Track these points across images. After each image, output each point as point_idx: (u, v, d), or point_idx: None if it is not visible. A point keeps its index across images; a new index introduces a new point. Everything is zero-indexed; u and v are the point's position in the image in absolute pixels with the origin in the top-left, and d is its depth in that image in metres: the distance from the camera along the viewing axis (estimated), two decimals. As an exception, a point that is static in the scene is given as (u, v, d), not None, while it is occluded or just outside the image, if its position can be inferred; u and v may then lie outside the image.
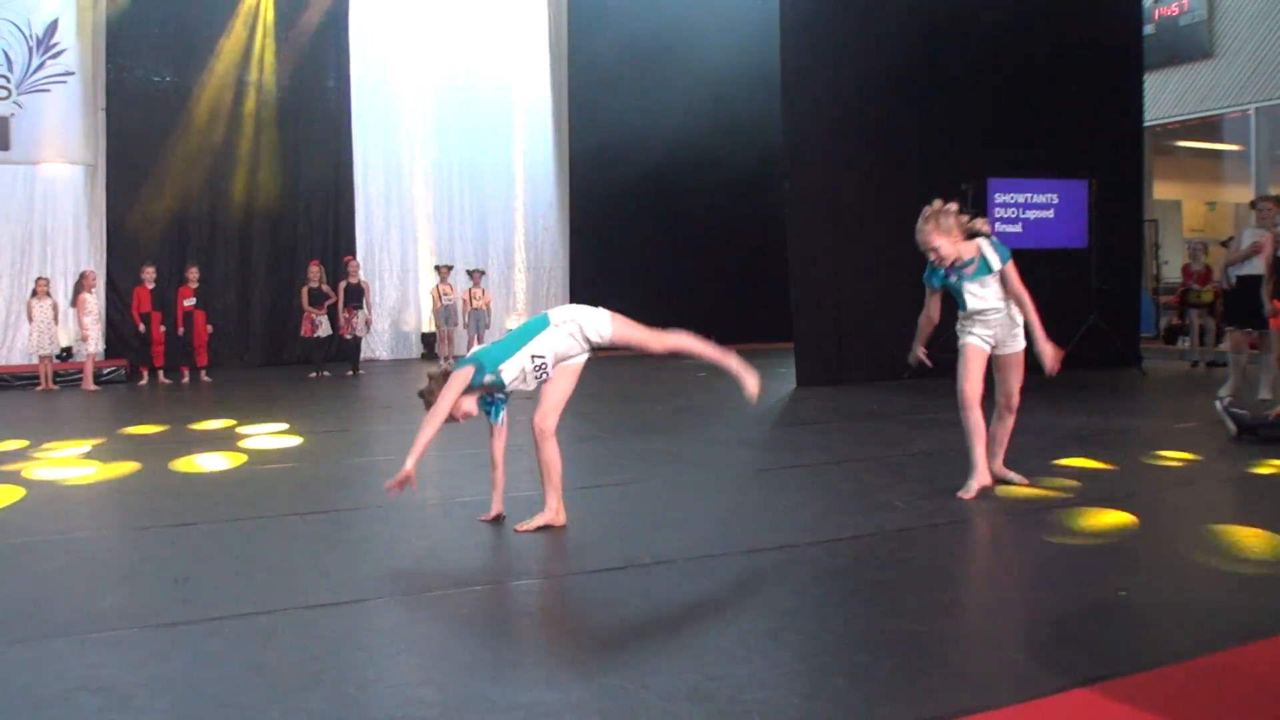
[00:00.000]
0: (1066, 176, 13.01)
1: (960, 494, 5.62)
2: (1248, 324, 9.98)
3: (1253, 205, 10.47)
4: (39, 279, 14.58)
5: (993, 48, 12.98)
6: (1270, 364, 9.92)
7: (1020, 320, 5.73)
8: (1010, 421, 5.95)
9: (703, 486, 6.34)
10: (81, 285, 14.52)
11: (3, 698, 3.19)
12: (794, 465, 5.37)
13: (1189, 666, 3.26)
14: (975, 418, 5.71)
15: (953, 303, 5.87)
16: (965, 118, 12.83)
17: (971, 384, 5.70)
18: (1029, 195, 12.92)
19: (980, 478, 5.71)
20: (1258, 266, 9.90)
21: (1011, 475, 5.98)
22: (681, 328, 5.17)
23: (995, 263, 5.61)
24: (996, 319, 5.71)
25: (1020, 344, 5.77)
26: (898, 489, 6.05)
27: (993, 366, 5.82)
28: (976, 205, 12.58)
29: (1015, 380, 5.83)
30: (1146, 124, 15.10)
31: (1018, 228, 12.84)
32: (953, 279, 5.69)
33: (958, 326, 5.85)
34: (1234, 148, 17.85)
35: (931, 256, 5.63)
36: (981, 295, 5.65)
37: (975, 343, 5.73)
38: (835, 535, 4.97)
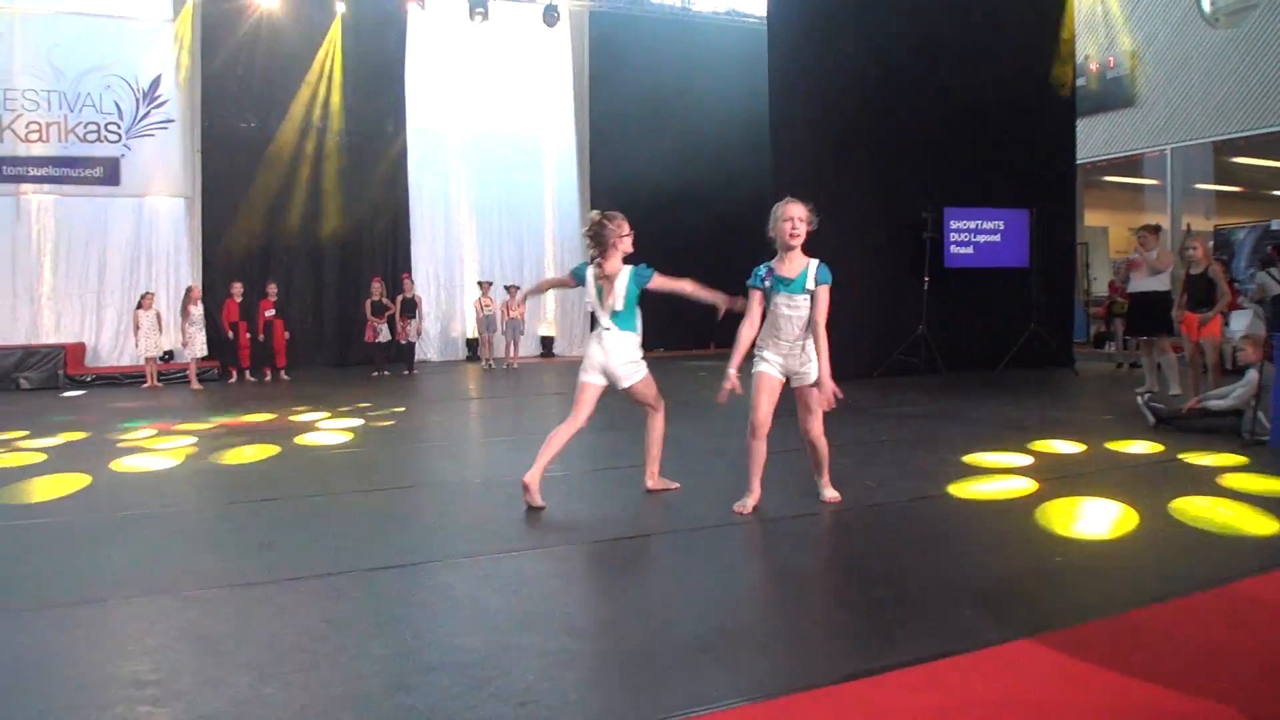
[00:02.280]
0: (1011, 206, 12.99)
1: (736, 508, 4.90)
2: (1144, 333, 10.04)
3: (1137, 234, 10.50)
4: (145, 294, 14.64)
5: (949, 98, 12.94)
6: (1173, 363, 9.90)
7: (813, 353, 4.86)
8: (822, 447, 5.11)
9: (700, 469, 6.34)
10: (188, 298, 14.60)
11: (118, 645, 3.21)
12: (779, 451, 5.35)
13: (1115, 621, 3.26)
14: (758, 448, 4.94)
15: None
16: (926, 157, 12.81)
17: (760, 413, 4.88)
18: (979, 222, 12.89)
19: (754, 497, 4.95)
20: (1145, 284, 9.95)
21: (829, 493, 5.17)
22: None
23: (812, 282, 4.79)
24: (791, 345, 4.86)
25: (814, 375, 4.88)
26: (869, 471, 6.05)
27: (793, 396, 5.01)
28: (935, 230, 12.60)
29: (814, 412, 4.97)
30: (1079, 162, 15.08)
31: (969, 249, 12.83)
32: (768, 284, 4.85)
33: (755, 347, 4.97)
34: (1153, 182, 17.79)
35: (787, 227, 4.75)
36: (788, 312, 4.81)
37: (767, 371, 4.89)
38: (815, 510, 4.97)
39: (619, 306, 5.17)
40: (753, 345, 4.99)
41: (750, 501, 4.95)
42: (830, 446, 5.15)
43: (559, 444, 5.24)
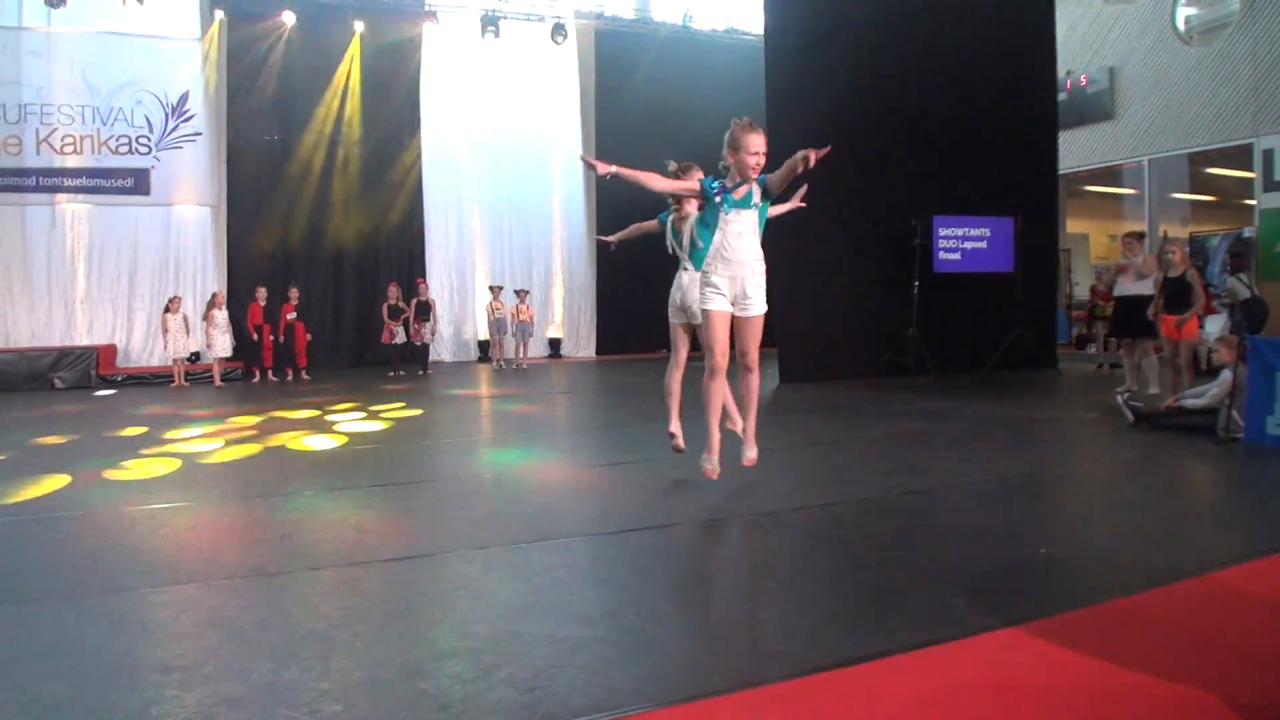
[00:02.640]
0: (996, 214, 12.96)
1: (706, 470, 4.90)
2: (1128, 335, 10.00)
3: (1122, 239, 10.49)
4: (172, 298, 14.67)
5: (938, 113, 12.95)
6: (1154, 364, 9.88)
7: (762, 278, 4.74)
8: (754, 380, 4.95)
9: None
10: (212, 303, 14.62)
11: (145, 632, 3.20)
12: (776, 447, 5.33)
13: (1098, 610, 3.24)
14: (718, 390, 4.85)
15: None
16: (916, 167, 12.81)
17: (720, 353, 4.74)
18: (966, 229, 12.85)
19: (715, 451, 4.95)
20: (1131, 288, 9.91)
21: (750, 453, 5.09)
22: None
23: (759, 198, 4.67)
24: (741, 265, 4.68)
25: (761, 307, 4.78)
26: (861, 467, 6.03)
27: (733, 327, 4.81)
28: (924, 237, 12.58)
29: (753, 342, 4.80)
30: (1061, 172, 15.03)
31: (957, 255, 12.79)
32: (719, 200, 4.65)
33: (703, 274, 4.80)
34: (1131, 191, 17.75)
35: (751, 160, 4.60)
36: (738, 228, 4.65)
37: (719, 307, 4.71)
38: (809, 503, 4.95)
39: (697, 247, 5.33)
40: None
41: (714, 458, 4.89)
42: (823, 445, 5.12)
43: (676, 389, 5.55)
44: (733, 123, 4.69)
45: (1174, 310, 9.07)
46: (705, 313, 4.73)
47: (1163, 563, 3.80)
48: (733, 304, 4.73)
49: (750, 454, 5.04)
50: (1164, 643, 2.95)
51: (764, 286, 4.77)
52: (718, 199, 4.64)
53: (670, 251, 5.71)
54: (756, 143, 4.60)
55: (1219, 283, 13.41)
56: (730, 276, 4.69)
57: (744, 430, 5.08)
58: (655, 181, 4.71)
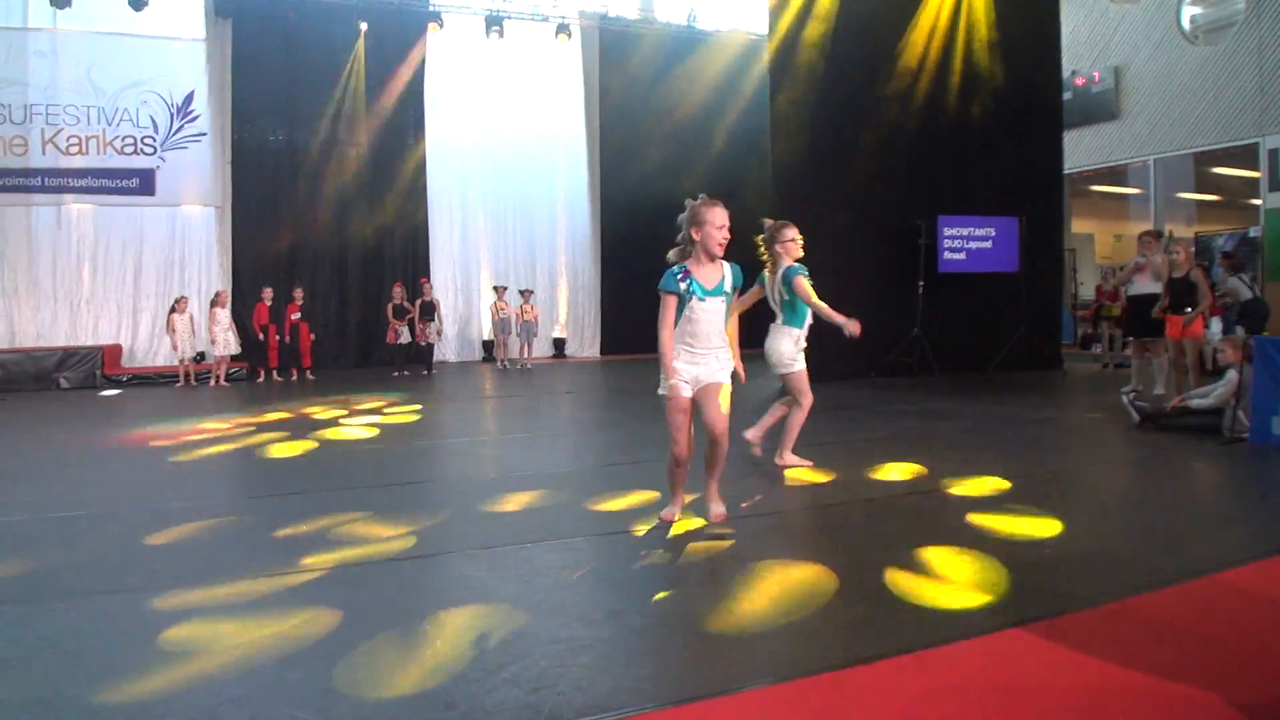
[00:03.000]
0: (1002, 214, 12.94)
1: (664, 515, 4.57)
2: (1141, 334, 9.95)
3: (1139, 238, 10.45)
4: (179, 298, 14.69)
5: (945, 112, 12.99)
6: (1163, 365, 9.85)
7: (727, 360, 4.41)
8: (723, 449, 4.48)
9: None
10: (215, 302, 14.65)
11: (149, 631, 3.21)
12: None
13: (1102, 610, 3.24)
14: (683, 475, 4.51)
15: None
16: (921, 167, 12.81)
17: (684, 442, 4.35)
18: (971, 229, 12.84)
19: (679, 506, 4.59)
20: (1146, 287, 9.86)
21: (717, 509, 4.62)
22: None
23: (729, 286, 4.37)
24: (706, 353, 4.35)
25: (724, 376, 4.39)
26: (865, 467, 6.03)
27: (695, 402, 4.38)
28: (929, 237, 12.57)
29: (716, 409, 4.34)
30: (1066, 172, 15.03)
31: (962, 255, 12.77)
32: (685, 287, 4.27)
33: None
34: (1136, 191, 17.73)
35: (718, 235, 4.29)
36: (705, 317, 4.30)
37: (683, 392, 4.31)
38: (815, 503, 4.96)
39: (781, 301, 5.91)
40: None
41: (676, 509, 4.58)
42: (826, 445, 5.12)
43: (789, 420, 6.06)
44: (688, 203, 4.42)
45: (1179, 310, 9.05)
46: (669, 397, 4.33)
47: (1167, 563, 3.80)
48: (692, 384, 4.35)
49: (719, 509, 4.61)
50: (1167, 643, 2.95)
51: (728, 366, 4.44)
52: (683, 287, 4.27)
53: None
54: (721, 216, 4.32)
55: (1220, 282, 13.39)
56: (696, 364, 4.34)
57: (711, 491, 4.66)
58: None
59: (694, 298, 4.28)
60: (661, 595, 3.54)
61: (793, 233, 5.83)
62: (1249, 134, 14.14)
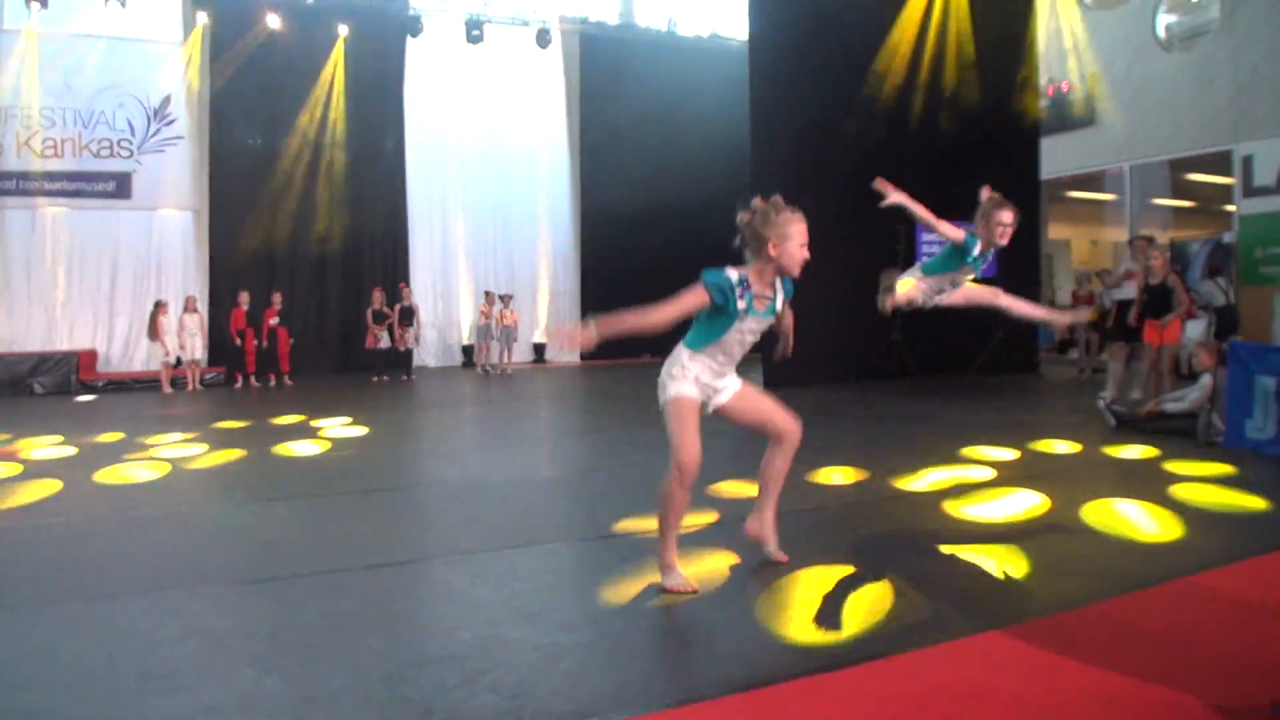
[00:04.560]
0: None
1: (672, 586, 3.59)
2: (1131, 338, 10.02)
3: (1130, 243, 10.54)
4: (159, 302, 14.49)
5: (921, 117, 13.05)
6: (1140, 370, 9.93)
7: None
8: (789, 459, 3.94)
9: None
10: (185, 308, 14.48)
11: (128, 640, 3.18)
12: (761, 452, 5.33)
13: (1080, 613, 3.26)
14: (684, 499, 3.62)
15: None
16: (899, 172, 12.68)
17: (693, 451, 3.53)
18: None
19: (677, 576, 3.65)
20: (1132, 291, 9.93)
21: (772, 550, 4.00)
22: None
23: (781, 303, 3.74)
24: (731, 367, 3.75)
25: (737, 382, 3.81)
26: (845, 471, 6.04)
27: (727, 417, 3.81)
28: (907, 242, 12.63)
29: (777, 408, 3.87)
30: (1042, 178, 15.15)
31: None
32: (741, 304, 3.56)
33: (675, 366, 3.67)
34: (1111, 197, 17.88)
35: (801, 254, 3.59)
36: (751, 339, 3.70)
37: (691, 396, 3.62)
38: (799, 507, 4.97)
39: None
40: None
41: (680, 579, 3.64)
42: (809, 449, 5.07)
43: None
44: (758, 204, 3.68)
45: (1156, 315, 9.13)
46: (672, 400, 3.62)
47: (1141, 566, 3.83)
48: (705, 402, 3.73)
49: (779, 553, 4.00)
50: (1142, 646, 2.97)
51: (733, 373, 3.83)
52: (741, 305, 3.55)
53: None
54: (805, 233, 3.63)
55: (1196, 287, 13.52)
56: (714, 381, 3.71)
57: (769, 526, 4.01)
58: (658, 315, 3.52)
59: (750, 317, 3.59)
60: (643, 601, 3.53)
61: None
62: (1224, 141, 14.28)
